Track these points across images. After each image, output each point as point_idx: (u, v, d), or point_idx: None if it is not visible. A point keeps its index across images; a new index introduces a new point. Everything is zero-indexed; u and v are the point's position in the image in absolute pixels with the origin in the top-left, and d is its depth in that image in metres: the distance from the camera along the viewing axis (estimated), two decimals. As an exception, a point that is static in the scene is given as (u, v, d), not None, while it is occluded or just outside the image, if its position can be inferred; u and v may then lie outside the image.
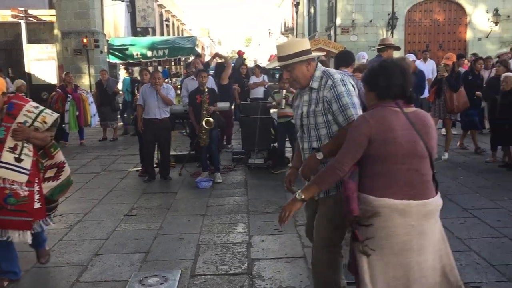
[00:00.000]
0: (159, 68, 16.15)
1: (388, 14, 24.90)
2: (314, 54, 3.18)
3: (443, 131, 8.89)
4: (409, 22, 27.68)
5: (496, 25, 25.46)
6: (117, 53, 13.03)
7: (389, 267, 2.53)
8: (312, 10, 37.55)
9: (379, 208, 2.50)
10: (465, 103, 8.35)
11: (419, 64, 10.34)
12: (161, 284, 3.89)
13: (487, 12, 25.98)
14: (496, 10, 25.05)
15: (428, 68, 11.04)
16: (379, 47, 6.48)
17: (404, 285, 2.53)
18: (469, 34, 26.96)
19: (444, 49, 25.34)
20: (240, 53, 15.25)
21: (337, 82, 2.93)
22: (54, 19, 13.27)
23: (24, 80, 11.94)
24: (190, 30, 61.75)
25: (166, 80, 13.24)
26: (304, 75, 3.02)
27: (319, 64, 3.11)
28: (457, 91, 8.14)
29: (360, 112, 2.91)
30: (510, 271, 3.93)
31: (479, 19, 26.35)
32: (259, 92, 10.53)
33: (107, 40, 19.64)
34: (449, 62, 8.25)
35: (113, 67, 19.41)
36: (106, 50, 18.58)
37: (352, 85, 3.00)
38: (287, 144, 8.19)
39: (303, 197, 2.69)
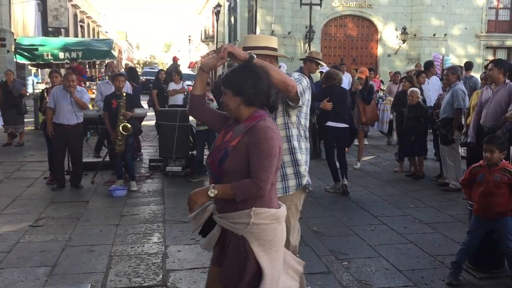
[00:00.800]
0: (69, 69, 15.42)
1: (306, 27, 25.69)
2: (279, 53, 3.23)
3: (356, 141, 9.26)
4: (325, 35, 28.77)
5: (403, 43, 27.15)
6: (25, 53, 12.26)
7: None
8: (232, 19, 37.88)
9: (281, 218, 2.49)
10: (375, 115, 8.81)
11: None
12: (69, 299, 3.65)
13: (396, 30, 27.64)
14: (404, 28, 26.72)
15: (345, 81, 11.51)
16: (302, 58, 7.02)
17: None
18: (380, 50, 28.52)
19: (357, 63, 26.60)
20: (175, 59, 14.96)
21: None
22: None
23: None
24: (106, 32, 59.87)
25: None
26: None
27: (283, 65, 3.23)
28: (370, 103, 8.59)
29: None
30: (416, 276, 4.15)
31: (389, 36, 27.97)
32: (178, 99, 10.35)
33: (15, 39, 18.47)
34: (362, 76, 8.69)
35: (21, 67, 18.27)
36: (13, 49, 17.46)
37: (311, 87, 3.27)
38: (206, 152, 8.12)
39: (215, 193, 2.42)
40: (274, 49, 3.10)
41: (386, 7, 27.76)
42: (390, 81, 10.70)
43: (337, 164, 7.01)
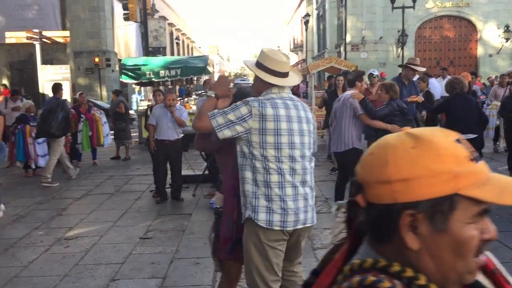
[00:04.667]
0: (170, 87, 16.27)
1: (398, 31, 24.95)
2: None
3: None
4: (419, 38, 27.72)
5: (507, 41, 25.41)
6: (129, 73, 13.15)
7: None
8: (321, 27, 37.77)
9: None
10: None
11: (434, 82, 10.31)
12: (180, 311, 3.82)
13: (498, 28, 25.95)
14: (507, 26, 25.02)
15: (438, 87, 11.01)
16: (400, 65, 6.86)
17: None
18: (480, 50, 26.92)
19: (455, 66, 25.32)
20: None
21: None
22: (68, 39, 13.43)
23: (38, 100, 12.07)
24: (199, 48, 62.35)
25: (179, 99, 13.32)
26: None
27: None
28: None
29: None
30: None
31: (490, 35, 26.31)
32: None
33: (119, 60, 19.88)
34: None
35: (124, 85, 19.58)
36: (117, 68, 18.80)
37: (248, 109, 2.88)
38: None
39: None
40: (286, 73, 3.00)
41: (486, 4, 26.17)
42: (496, 84, 10.05)
43: None
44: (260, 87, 2.99)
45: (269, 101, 2.88)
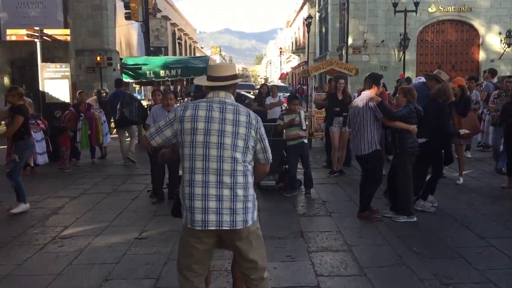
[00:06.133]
0: (171, 86, 16.24)
1: (400, 35, 24.92)
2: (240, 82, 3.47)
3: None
4: (421, 42, 27.71)
5: (509, 47, 25.39)
6: (130, 72, 13.12)
7: None
8: (323, 30, 37.75)
9: None
10: (475, 127, 8.10)
11: None
12: (172, 313, 3.80)
13: (500, 34, 25.92)
14: (509, 31, 25.02)
15: None
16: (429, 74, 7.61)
17: None
18: (482, 55, 26.90)
19: (457, 70, 25.30)
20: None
21: None
22: (69, 38, 13.38)
23: (38, 98, 12.04)
24: (202, 48, 62.37)
25: (178, 99, 13.32)
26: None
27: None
28: (465, 116, 7.91)
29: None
30: (532, 307, 3.80)
31: (492, 40, 26.29)
32: (276, 113, 10.35)
33: (121, 59, 19.85)
34: (454, 85, 7.91)
35: (125, 85, 19.55)
36: (118, 68, 18.77)
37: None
38: (299, 166, 8.11)
39: None
40: (236, 76, 3.23)
41: (488, 10, 26.16)
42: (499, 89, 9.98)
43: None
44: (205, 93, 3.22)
45: (193, 104, 3.07)
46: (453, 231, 5.78)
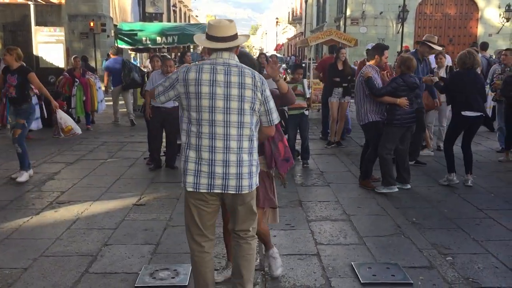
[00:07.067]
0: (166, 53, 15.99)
1: (399, 7, 24.62)
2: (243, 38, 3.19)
3: None
4: (420, 15, 27.41)
5: (507, 21, 25.18)
6: (125, 38, 12.89)
7: None
8: (321, 0, 37.21)
9: None
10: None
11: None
12: (173, 278, 3.80)
13: (499, 8, 25.67)
14: (509, 5, 24.77)
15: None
16: (418, 41, 7.51)
17: None
18: (480, 30, 26.70)
19: (454, 44, 25.12)
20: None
21: None
22: (62, 1, 13.08)
23: (31, 63, 11.82)
24: (197, 16, 61.43)
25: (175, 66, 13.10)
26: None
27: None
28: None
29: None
30: (530, 277, 3.83)
31: (491, 15, 26.06)
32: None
33: (115, 25, 19.48)
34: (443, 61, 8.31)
35: (120, 51, 19.27)
36: (113, 34, 18.44)
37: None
38: (297, 137, 8.06)
39: None
40: (237, 35, 3.07)
41: (489, -17, 25.83)
42: (500, 62, 9.87)
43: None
44: (206, 54, 3.15)
45: (196, 67, 2.96)
46: (451, 203, 5.80)
